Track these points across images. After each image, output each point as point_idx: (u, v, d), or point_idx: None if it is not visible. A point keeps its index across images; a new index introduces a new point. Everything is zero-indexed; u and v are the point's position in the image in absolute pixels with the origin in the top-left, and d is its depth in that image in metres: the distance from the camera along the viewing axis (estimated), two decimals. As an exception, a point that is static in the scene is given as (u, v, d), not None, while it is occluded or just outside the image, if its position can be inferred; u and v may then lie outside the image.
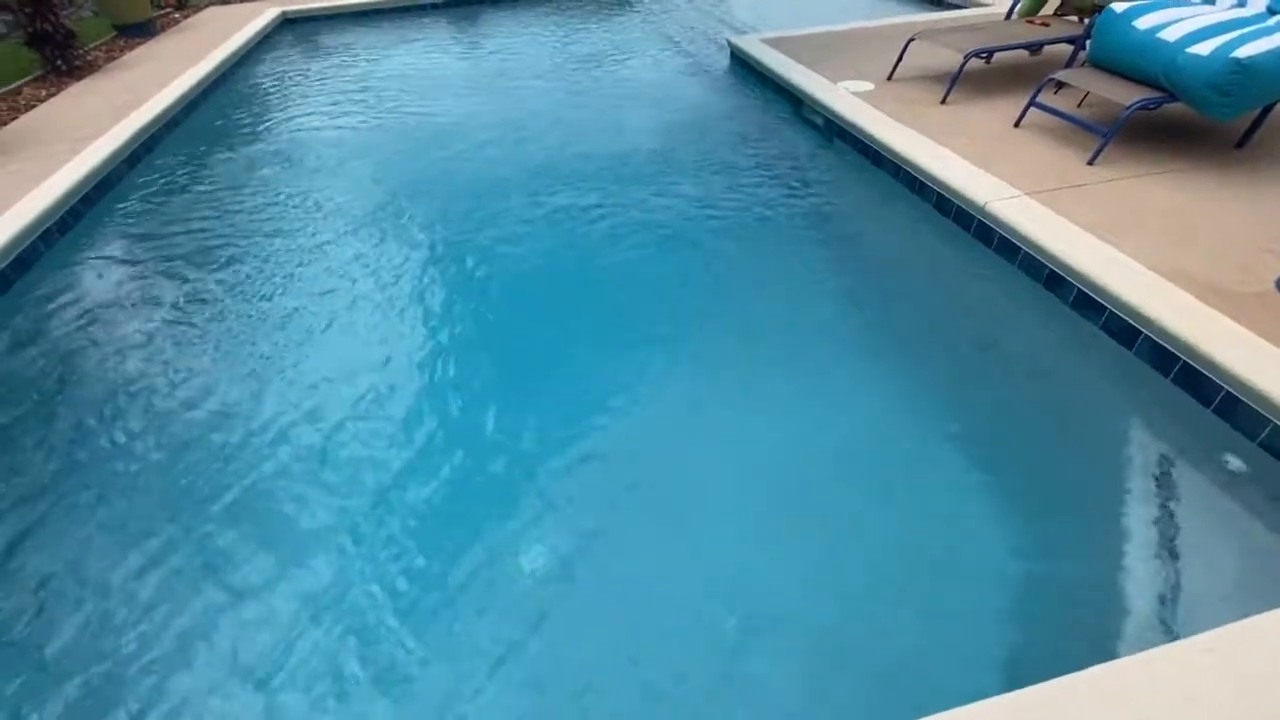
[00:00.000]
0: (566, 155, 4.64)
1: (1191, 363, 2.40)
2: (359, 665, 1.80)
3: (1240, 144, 3.60)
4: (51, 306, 3.36)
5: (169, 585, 2.03)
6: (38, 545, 2.18)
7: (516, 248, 3.68)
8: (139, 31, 7.60)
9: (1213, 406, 2.34)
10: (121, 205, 4.30)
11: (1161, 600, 1.85)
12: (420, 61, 6.91)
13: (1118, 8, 3.64)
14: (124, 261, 3.73)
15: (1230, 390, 2.28)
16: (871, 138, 4.12)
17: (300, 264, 3.60)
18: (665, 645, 1.83)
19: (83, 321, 3.25)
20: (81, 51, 6.51)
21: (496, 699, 1.72)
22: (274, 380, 2.81)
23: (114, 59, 6.84)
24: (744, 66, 5.98)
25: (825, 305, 3.16)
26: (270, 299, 3.33)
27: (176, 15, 8.67)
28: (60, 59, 6.26)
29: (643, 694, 1.73)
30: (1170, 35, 3.33)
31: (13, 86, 5.98)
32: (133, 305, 3.35)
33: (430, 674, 1.78)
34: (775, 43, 5.84)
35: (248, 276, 3.52)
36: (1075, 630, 1.79)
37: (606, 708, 1.71)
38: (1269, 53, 3.04)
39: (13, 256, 3.56)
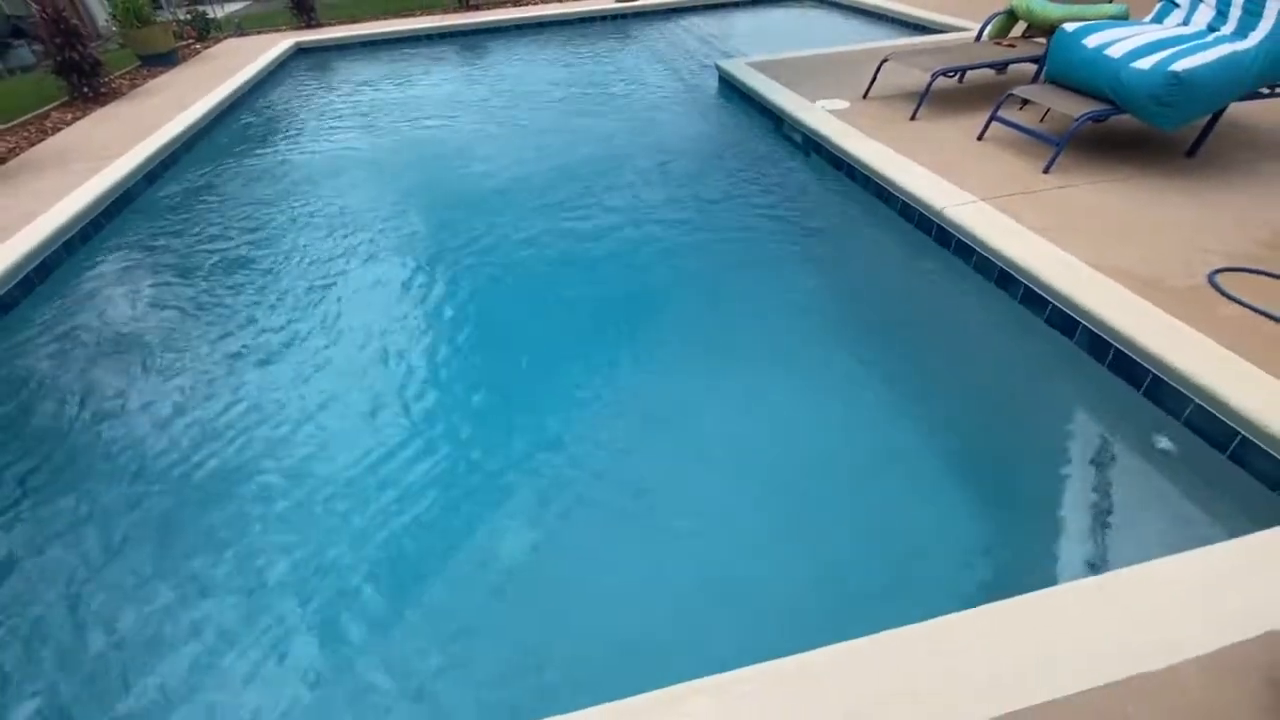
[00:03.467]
0: (564, 173, 4.88)
1: (1123, 349, 2.56)
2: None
3: (1190, 152, 3.78)
4: (70, 311, 3.61)
5: (200, 587, 2.19)
6: (48, 547, 2.37)
7: (518, 260, 3.87)
8: (161, 61, 8.04)
9: (1143, 389, 2.49)
10: (140, 219, 4.59)
11: (1079, 550, 2.01)
12: (427, 88, 7.26)
13: (1069, 27, 3.87)
14: (139, 270, 3.99)
15: (1157, 373, 2.44)
16: (843, 151, 4.34)
17: (307, 275, 3.83)
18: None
19: (99, 326, 3.49)
20: (107, 79, 6.92)
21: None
22: (281, 383, 2.98)
23: (137, 86, 7.24)
24: (731, 88, 6.26)
25: (797, 303, 3.35)
26: (277, 305, 3.56)
27: (197, 46, 9.15)
28: (86, 86, 6.65)
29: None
30: (1115, 52, 3.55)
31: (41, 111, 6.37)
32: (146, 311, 3.59)
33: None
34: (760, 66, 6.12)
35: (257, 285, 3.75)
36: (997, 571, 1.98)
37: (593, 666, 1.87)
38: (1205, 66, 3.24)
39: (37, 263, 3.84)
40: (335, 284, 3.70)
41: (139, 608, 2.04)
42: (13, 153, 5.37)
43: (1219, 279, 2.76)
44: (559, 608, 2.00)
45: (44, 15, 6.15)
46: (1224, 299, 2.67)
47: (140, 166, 4.97)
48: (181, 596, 2.07)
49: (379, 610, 2.00)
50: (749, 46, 7.75)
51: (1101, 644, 1.54)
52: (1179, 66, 3.25)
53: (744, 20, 9.47)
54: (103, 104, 6.62)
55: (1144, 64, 3.39)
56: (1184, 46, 3.42)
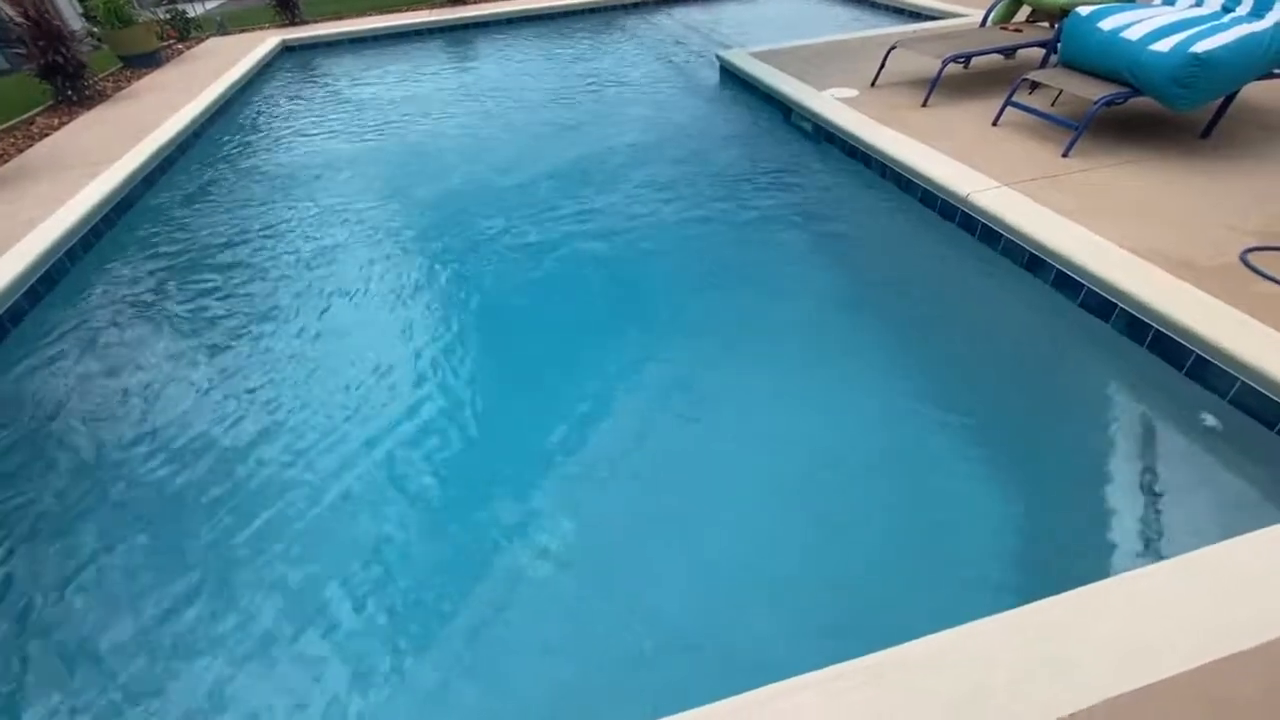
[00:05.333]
0: (562, 169, 4.81)
1: (1164, 330, 2.58)
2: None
3: (1205, 133, 3.82)
4: (77, 319, 3.50)
5: (206, 590, 2.16)
6: (53, 549, 2.31)
7: (519, 256, 3.82)
8: (145, 62, 7.83)
9: (1185, 369, 2.51)
10: (140, 223, 4.47)
11: (1144, 533, 2.02)
12: (417, 84, 7.14)
13: (1083, 11, 3.88)
14: (143, 276, 3.88)
15: (1201, 353, 2.46)
16: (858, 139, 4.34)
17: (311, 274, 3.75)
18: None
19: (106, 334, 3.39)
20: (91, 82, 6.72)
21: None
22: (285, 384, 2.94)
23: (122, 89, 7.05)
24: (734, 79, 6.23)
25: (819, 292, 3.34)
26: (282, 308, 3.48)
27: (180, 46, 8.93)
28: (71, 89, 6.46)
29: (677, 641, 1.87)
30: (1133, 35, 3.57)
31: (26, 116, 6.18)
32: (153, 318, 3.49)
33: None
34: (763, 56, 6.10)
35: (262, 287, 3.67)
36: (1073, 557, 1.98)
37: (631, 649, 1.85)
38: (1223, 47, 3.27)
39: (41, 272, 3.72)
40: (343, 284, 3.63)
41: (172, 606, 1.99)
42: (2, 159, 5.20)
43: (1251, 257, 2.79)
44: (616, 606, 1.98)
45: (26, 17, 5.94)
46: (1257, 277, 2.70)
47: (137, 171, 4.84)
48: (211, 595, 2.02)
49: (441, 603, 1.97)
50: (745, 37, 7.71)
51: (1194, 624, 1.55)
52: (1199, 48, 3.28)
53: (736, 10, 9.43)
54: (89, 107, 6.43)
55: (1163, 46, 3.41)
56: (1202, 28, 3.44)
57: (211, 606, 2.03)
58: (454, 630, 1.93)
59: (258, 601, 2.03)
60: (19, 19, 6.09)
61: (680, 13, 9.37)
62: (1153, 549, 1.97)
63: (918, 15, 7.78)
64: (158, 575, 2.15)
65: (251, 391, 2.90)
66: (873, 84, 5.15)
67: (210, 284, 3.74)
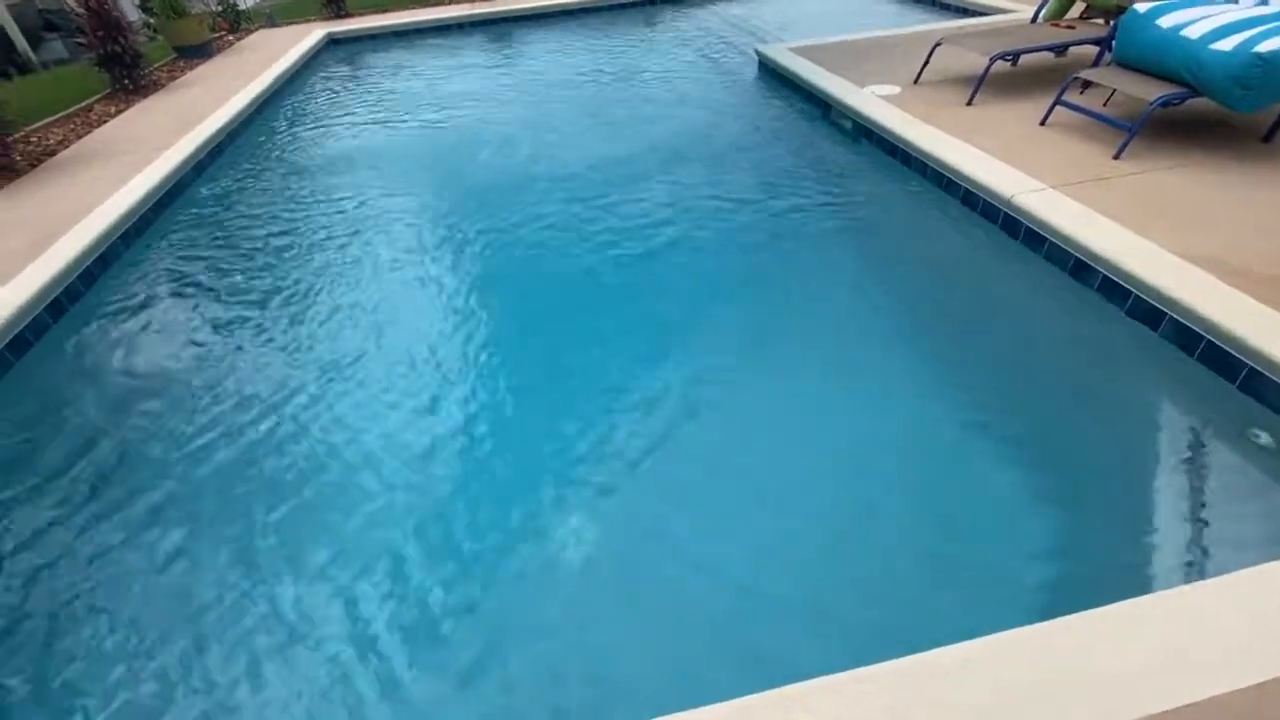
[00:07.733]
0: (608, 161, 4.82)
1: (1216, 341, 2.48)
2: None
3: (1267, 138, 3.66)
4: (130, 300, 3.64)
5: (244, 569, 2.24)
6: (104, 538, 2.41)
7: (563, 247, 3.86)
8: (197, 53, 8.07)
9: (1238, 382, 2.42)
10: (191, 209, 4.62)
11: (1187, 550, 1.95)
12: (460, 76, 7.22)
13: (1140, 8, 3.74)
14: (194, 260, 4.02)
15: (1255, 366, 2.36)
16: (899, 137, 4.25)
17: (356, 259, 3.84)
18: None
19: (158, 314, 3.52)
20: (147, 72, 6.96)
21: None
22: (331, 366, 3.02)
23: (175, 78, 7.28)
24: (772, 75, 6.16)
25: (856, 293, 3.30)
26: (327, 292, 3.57)
27: (230, 38, 9.18)
28: (127, 78, 6.70)
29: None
30: (1193, 33, 3.43)
31: (85, 104, 6.43)
32: (203, 299, 3.62)
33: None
34: (802, 51, 6.02)
35: (309, 271, 3.77)
36: (1112, 572, 1.93)
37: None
38: (1291, 47, 3.12)
39: (97, 254, 3.87)
40: (386, 267, 3.71)
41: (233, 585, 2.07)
42: (62, 144, 5.43)
43: (1313, 268, 2.67)
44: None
45: (87, 8, 6.18)
46: (1319, 289, 2.58)
47: (190, 158, 5.00)
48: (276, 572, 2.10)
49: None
50: (784, 32, 7.62)
51: (1234, 645, 1.50)
52: (1264, 48, 3.14)
53: (776, 5, 9.31)
54: (144, 96, 6.66)
55: (1225, 45, 3.27)
56: (1266, 27, 3.29)
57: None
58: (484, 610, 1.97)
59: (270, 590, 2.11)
60: (80, 9, 6.34)
61: (720, 7, 9.29)
62: (1195, 568, 1.91)
63: (965, 11, 7.59)
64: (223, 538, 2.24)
65: (299, 370, 2.98)
66: (916, 81, 5.04)
67: (258, 267, 3.86)
